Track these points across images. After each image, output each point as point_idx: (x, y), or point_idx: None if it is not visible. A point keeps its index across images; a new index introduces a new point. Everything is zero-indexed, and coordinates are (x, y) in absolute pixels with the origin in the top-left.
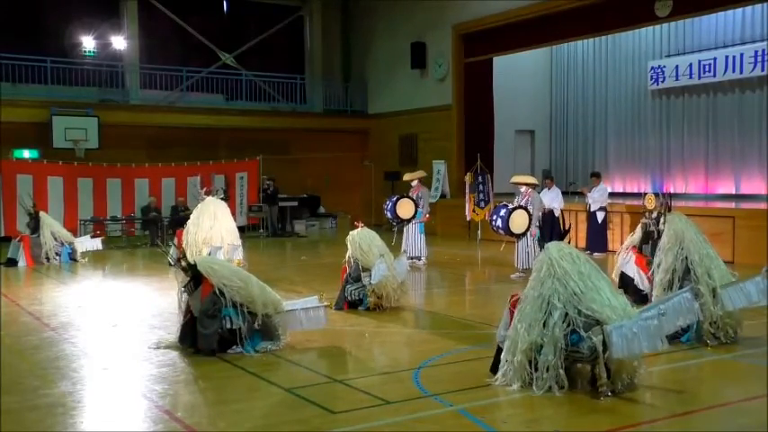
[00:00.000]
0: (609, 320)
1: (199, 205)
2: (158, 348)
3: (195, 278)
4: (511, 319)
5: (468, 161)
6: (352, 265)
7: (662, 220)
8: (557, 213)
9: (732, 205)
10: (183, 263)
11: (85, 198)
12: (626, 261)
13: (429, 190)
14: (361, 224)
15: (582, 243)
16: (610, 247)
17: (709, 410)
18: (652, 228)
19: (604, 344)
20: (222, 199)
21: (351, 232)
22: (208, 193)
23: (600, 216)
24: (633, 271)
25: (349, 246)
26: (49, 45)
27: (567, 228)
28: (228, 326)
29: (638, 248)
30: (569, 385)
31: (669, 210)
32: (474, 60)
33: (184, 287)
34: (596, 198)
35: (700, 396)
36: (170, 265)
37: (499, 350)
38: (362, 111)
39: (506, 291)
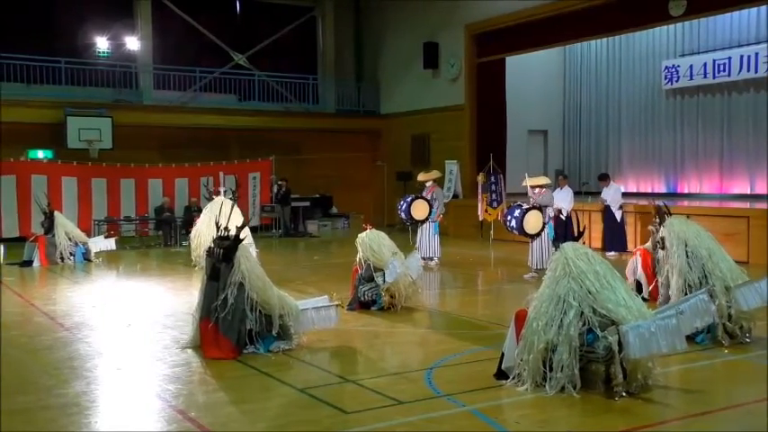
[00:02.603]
0: (624, 320)
1: (208, 205)
2: (177, 348)
3: (228, 252)
4: (518, 337)
5: (481, 161)
6: (364, 265)
7: (659, 226)
8: (565, 214)
9: (747, 205)
10: (234, 232)
11: (99, 198)
12: (637, 261)
13: (443, 190)
14: (369, 226)
15: (596, 243)
16: (627, 246)
17: (723, 411)
18: (656, 234)
19: (620, 344)
20: (231, 199)
21: (360, 234)
22: (216, 194)
23: (618, 215)
24: (639, 273)
25: (359, 247)
26: (62, 46)
27: (581, 229)
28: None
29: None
30: (583, 385)
31: (668, 214)
32: (486, 60)
33: (208, 252)
34: (614, 198)
35: (714, 396)
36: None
37: (502, 358)
38: (375, 111)
39: (519, 291)
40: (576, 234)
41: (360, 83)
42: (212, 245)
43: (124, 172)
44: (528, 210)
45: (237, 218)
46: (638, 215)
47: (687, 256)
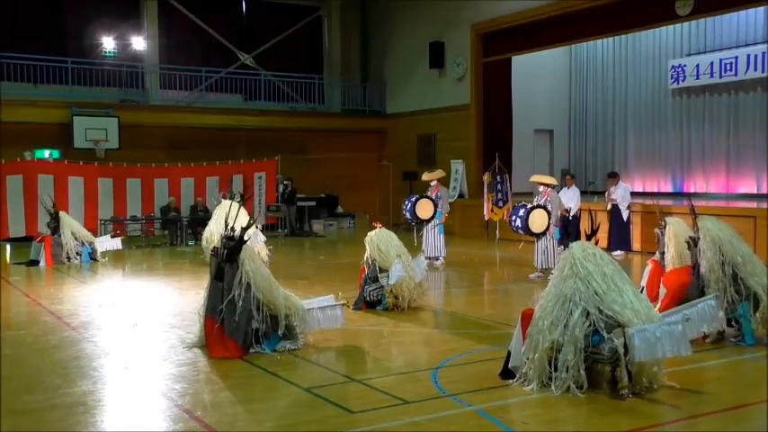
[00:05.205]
0: (630, 323)
1: (217, 208)
2: (183, 347)
3: (232, 253)
4: (524, 336)
5: (487, 161)
6: (371, 265)
7: (665, 229)
8: (572, 213)
9: (754, 205)
10: (239, 233)
11: (106, 198)
12: (645, 272)
13: (448, 189)
14: (379, 225)
15: (602, 242)
16: (632, 246)
17: (730, 411)
18: (663, 238)
19: (626, 346)
20: (238, 202)
21: (369, 233)
22: (224, 197)
23: (625, 215)
24: (644, 282)
25: (367, 246)
26: (69, 46)
27: (595, 228)
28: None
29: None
30: (589, 386)
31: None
32: (492, 60)
33: (213, 252)
34: (624, 197)
35: (721, 397)
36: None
37: (509, 357)
38: (381, 111)
39: (525, 291)
40: (588, 233)
41: (366, 82)
42: (218, 245)
43: (130, 172)
44: (533, 208)
45: (243, 219)
46: (644, 215)
47: (720, 260)
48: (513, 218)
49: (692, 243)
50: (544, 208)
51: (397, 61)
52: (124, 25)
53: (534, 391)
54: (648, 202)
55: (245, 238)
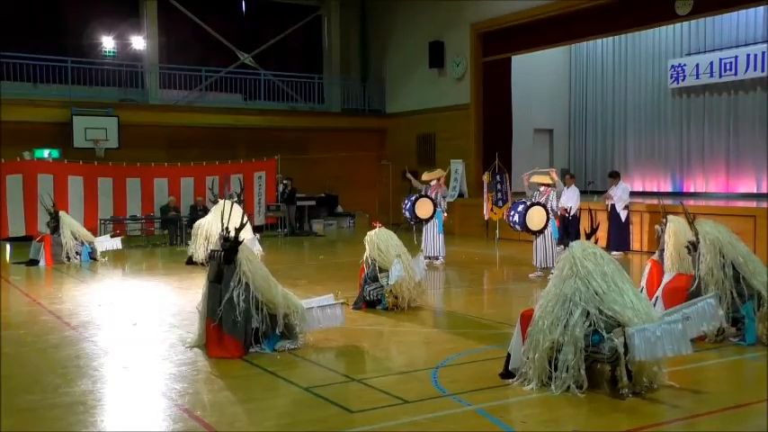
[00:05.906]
0: (630, 322)
1: (213, 208)
2: (183, 347)
3: (229, 254)
4: (524, 337)
5: (486, 160)
6: (370, 265)
7: (666, 226)
8: (572, 212)
9: (753, 204)
10: (233, 234)
11: (105, 197)
12: (644, 272)
13: (447, 189)
14: (378, 224)
15: (601, 242)
16: (631, 246)
17: (729, 411)
18: (663, 235)
19: (626, 346)
20: (236, 202)
21: (369, 232)
22: (221, 197)
23: (623, 215)
24: (643, 282)
25: (367, 246)
26: (69, 45)
27: (594, 227)
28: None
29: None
30: (589, 385)
31: (688, 215)
32: (492, 59)
33: (211, 253)
34: (621, 197)
35: (721, 397)
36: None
37: (509, 358)
38: (380, 110)
39: (525, 290)
40: (588, 232)
41: (365, 82)
42: (215, 247)
43: (130, 171)
44: (531, 205)
45: (238, 219)
46: (644, 215)
47: (720, 263)
48: (512, 212)
49: (692, 248)
50: (543, 206)
51: (396, 61)
52: (124, 25)
53: (534, 391)
54: (649, 201)
55: (240, 239)
